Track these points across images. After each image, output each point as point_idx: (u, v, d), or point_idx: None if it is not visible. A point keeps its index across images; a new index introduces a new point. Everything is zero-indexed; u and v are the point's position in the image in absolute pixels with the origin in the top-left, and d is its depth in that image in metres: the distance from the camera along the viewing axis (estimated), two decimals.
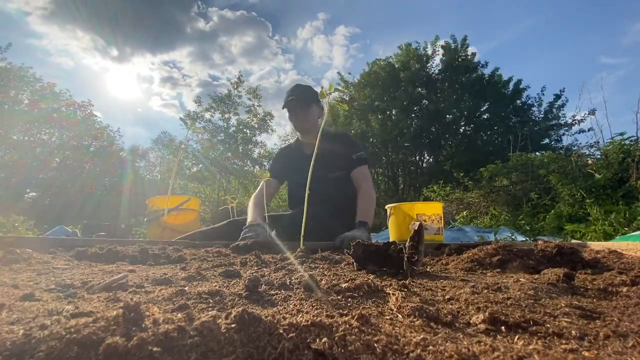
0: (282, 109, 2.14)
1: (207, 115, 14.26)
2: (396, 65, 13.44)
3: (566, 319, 0.43)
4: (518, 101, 12.92)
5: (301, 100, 2.09)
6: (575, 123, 11.13)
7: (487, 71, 13.21)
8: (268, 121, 15.00)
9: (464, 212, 6.77)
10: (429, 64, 13.49)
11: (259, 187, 2.05)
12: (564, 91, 12.09)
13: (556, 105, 12.25)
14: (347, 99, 13.76)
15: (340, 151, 2.11)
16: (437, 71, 13.57)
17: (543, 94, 12.61)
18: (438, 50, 13.30)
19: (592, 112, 8.14)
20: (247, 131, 14.64)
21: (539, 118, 12.68)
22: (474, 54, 13.23)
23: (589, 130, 8.19)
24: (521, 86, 12.87)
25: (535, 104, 12.80)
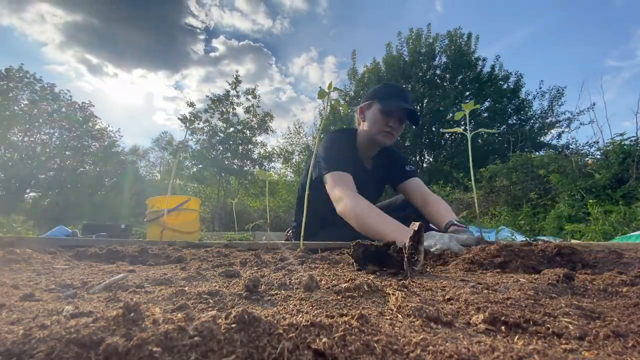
0: (385, 107, 1.66)
1: (206, 115, 14.28)
2: (406, 58, 13.47)
3: (566, 319, 0.43)
4: (517, 99, 12.99)
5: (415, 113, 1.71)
6: (575, 118, 11.19)
7: (488, 64, 13.29)
8: (267, 121, 15.03)
9: (464, 212, 6.78)
10: (435, 59, 13.52)
11: (356, 196, 1.46)
12: (564, 88, 12.21)
13: (558, 103, 12.35)
14: (352, 94, 13.81)
15: (390, 168, 1.92)
16: (441, 65, 13.62)
17: (540, 88, 12.73)
18: (444, 42, 13.34)
19: (592, 106, 8.22)
20: (247, 131, 14.66)
21: (538, 115, 12.74)
22: (478, 38, 13.22)
23: (589, 122, 8.26)
24: (521, 82, 12.96)
25: (533, 98, 12.91)
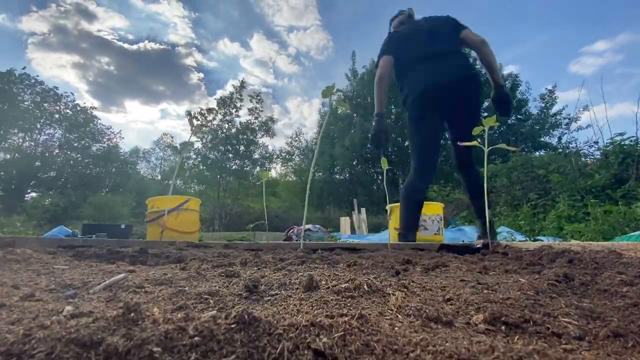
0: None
1: (210, 117, 14.40)
2: None
3: (566, 319, 0.43)
4: (515, 99, 13.14)
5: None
6: (573, 120, 11.33)
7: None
8: (270, 124, 15.22)
9: (464, 212, 6.78)
10: None
11: (383, 66, 2.29)
12: (555, 87, 12.44)
13: (548, 96, 12.60)
14: (352, 94, 13.98)
15: (446, 27, 2.33)
16: None
17: (530, 89, 12.97)
18: None
19: (585, 107, 8.31)
20: (249, 132, 14.79)
21: (536, 115, 12.86)
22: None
23: (587, 127, 8.32)
24: (517, 82, 13.11)
25: (531, 99, 13.09)
